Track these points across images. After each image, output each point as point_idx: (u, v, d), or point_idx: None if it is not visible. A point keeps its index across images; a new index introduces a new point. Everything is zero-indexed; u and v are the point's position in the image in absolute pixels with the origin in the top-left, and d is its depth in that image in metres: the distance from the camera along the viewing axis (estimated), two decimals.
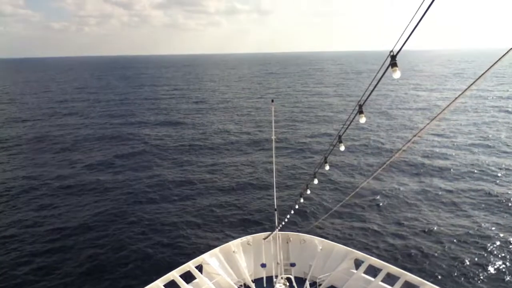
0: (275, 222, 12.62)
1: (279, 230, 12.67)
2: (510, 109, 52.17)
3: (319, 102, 64.83)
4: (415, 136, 5.45)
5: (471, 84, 3.93)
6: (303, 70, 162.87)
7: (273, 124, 14.92)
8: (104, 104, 68.11)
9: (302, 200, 11.51)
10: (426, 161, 29.49)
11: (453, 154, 31.47)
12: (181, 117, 52.98)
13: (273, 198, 13.24)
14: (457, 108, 50.63)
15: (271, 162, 15.22)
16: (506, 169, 27.55)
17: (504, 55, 3.59)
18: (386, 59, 4.10)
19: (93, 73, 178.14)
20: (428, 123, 5.02)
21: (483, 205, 21.76)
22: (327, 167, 7.66)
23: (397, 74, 3.94)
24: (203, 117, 52.49)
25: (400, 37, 3.88)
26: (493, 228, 19.03)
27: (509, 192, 23.32)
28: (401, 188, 24.25)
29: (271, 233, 12.71)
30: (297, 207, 12.49)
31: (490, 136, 37.51)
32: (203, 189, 25.47)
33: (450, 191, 23.72)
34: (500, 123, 43.26)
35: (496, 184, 24.86)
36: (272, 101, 17.52)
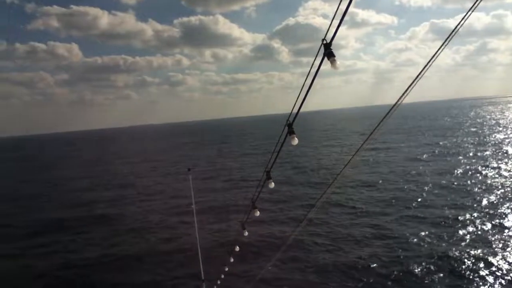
0: None
1: None
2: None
3: (235, 168, 64.72)
4: (324, 193, 5.84)
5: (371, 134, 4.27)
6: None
7: (192, 192, 14.61)
8: None
9: (227, 269, 11.16)
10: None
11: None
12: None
13: (200, 268, 12.49)
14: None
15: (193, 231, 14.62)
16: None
17: (388, 113, 3.99)
18: (285, 127, 4.25)
19: None
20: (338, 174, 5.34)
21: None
22: (246, 233, 7.69)
23: (295, 141, 4.21)
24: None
25: (295, 103, 4.02)
26: None
27: None
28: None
29: None
30: (223, 276, 11.99)
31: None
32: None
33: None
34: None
35: None
36: (189, 169, 17.34)
